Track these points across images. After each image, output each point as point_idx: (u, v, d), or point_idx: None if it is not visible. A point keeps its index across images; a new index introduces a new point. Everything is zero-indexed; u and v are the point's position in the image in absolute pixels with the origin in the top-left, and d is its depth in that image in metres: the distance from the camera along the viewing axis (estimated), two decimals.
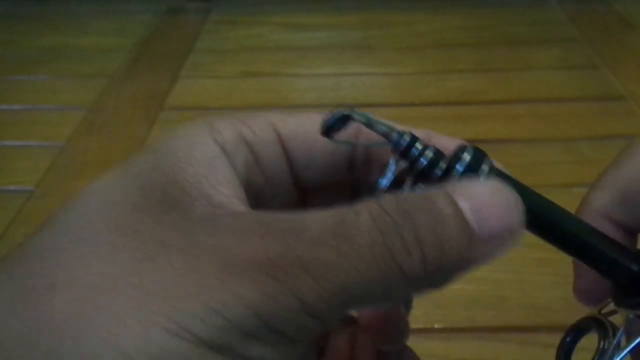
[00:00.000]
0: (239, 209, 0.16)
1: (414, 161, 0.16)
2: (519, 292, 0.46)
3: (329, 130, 0.16)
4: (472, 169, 0.16)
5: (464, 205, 0.15)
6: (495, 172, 0.17)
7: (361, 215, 0.14)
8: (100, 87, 0.78)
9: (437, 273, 0.15)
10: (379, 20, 0.95)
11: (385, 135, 0.17)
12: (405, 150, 0.16)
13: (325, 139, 0.17)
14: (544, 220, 0.18)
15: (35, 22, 0.99)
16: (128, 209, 0.15)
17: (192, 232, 0.14)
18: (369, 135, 0.17)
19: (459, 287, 0.47)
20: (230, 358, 0.13)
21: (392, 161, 0.16)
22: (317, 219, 0.15)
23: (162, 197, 0.15)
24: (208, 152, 0.16)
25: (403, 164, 0.17)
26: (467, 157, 0.16)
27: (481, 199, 0.15)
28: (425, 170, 0.16)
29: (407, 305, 0.21)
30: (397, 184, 0.17)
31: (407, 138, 0.16)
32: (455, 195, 0.15)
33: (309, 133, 0.18)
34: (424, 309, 0.46)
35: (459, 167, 0.16)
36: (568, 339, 0.20)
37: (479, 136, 0.66)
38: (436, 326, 0.45)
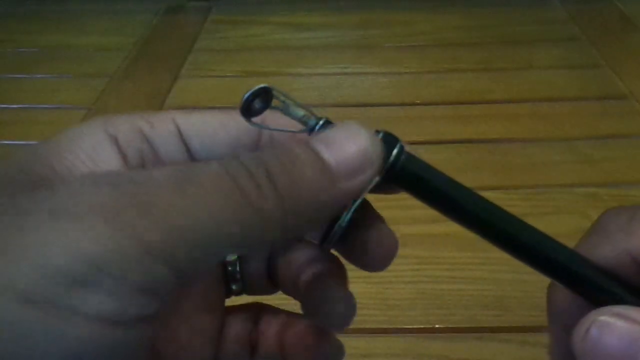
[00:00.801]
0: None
1: None
2: (520, 292, 0.46)
3: (247, 105, 0.17)
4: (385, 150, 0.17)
5: (320, 147, 0.15)
6: (406, 156, 0.18)
7: (211, 164, 0.14)
8: (100, 87, 0.78)
9: (299, 212, 0.15)
10: (379, 19, 0.95)
11: (301, 120, 0.17)
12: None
13: (243, 120, 0.17)
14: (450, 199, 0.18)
15: (35, 22, 0.99)
16: None
17: (31, 195, 0.14)
18: (279, 121, 0.18)
19: (459, 287, 0.47)
20: (58, 310, 0.12)
21: None
22: (165, 168, 0.14)
23: (29, 179, 0.15)
24: (92, 141, 0.17)
25: None
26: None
27: (337, 138, 0.16)
28: None
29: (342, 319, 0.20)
30: None
31: (322, 123, 0.17)
32: (312, 141, 0.16)
33: (210, 127, 0.18)
34: (424, 309, 0.46)
35: None
36: None
37: (479, 136, 0.66)
38: (436, 326, 0.45)
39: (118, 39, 0.91)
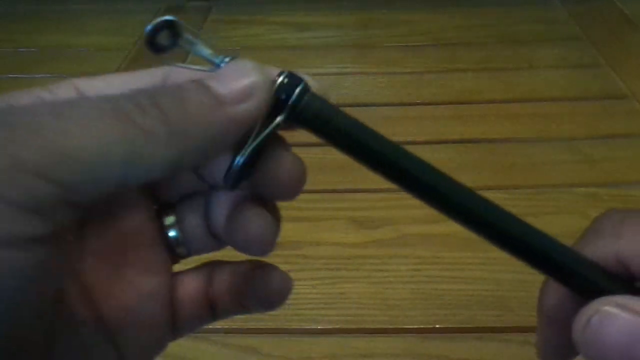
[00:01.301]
0: None
1: None
2: (520, 292, 0.46)
3: (151, 38, 0.17)
4: (286, 89, 0.17)
5: (209, 81, 0.16)
6: (310, 96, 0.18)
7: (97, 97, 0.15)
8: None
9: (186, 133, 0.15)
10: (379, 19, 0.95)
11: (209, 59, 0.18)
12: None
13: (146, 78, 0.18)
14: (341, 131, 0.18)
15: (35, 22, 0.99)
16: None
17: None
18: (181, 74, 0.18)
19: (459, 287, 0.47)
20: None
21: None
22: (44, 102, 0.15)
23: None
24: None
25: None
26: (280, 78, 0.17)
27: (226, 72, 0.17)
28: None
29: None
30: None
31: (227, 61, 0.18)
32: (203, 78, 0.16)
33: (112, 88, 0.18)
34: (424, 309, 0.46)
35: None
36: None
37: (479, 136, 0.66)
38: (437, 326, 0.44)
39: (118, 39, 0.91)
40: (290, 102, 0.17)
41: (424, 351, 0.43)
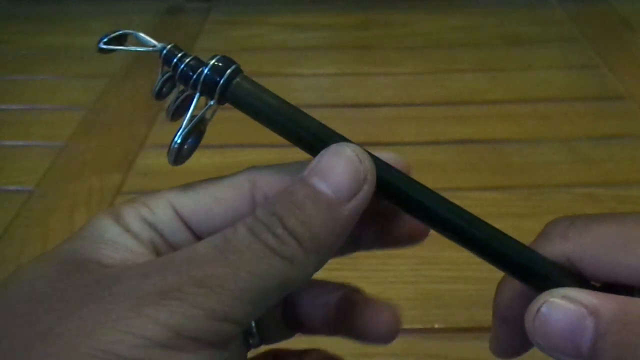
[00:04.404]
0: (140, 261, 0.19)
1: (174, 66, 0.19)
2: None
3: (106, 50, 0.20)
4: (218, 70, 0.19)
5: (316, 182, 0.18)
6: (242, 77, 0.19)
7: (239, 228, 0.17)
8: (100, 87, 0.78)
9: (323, 245, 0.18)
10: (379, 20, 0.95)
11: (152, 47, 0.20)
12: (167, 56, 0.20)
13: (233, 191, 0.20)
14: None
15: (35, 22, 0.99)
16: (54, 280, 0.18)
17: (102, 284, 0.17)
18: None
19: (459, 287, 0.48)
20: None
21: (159, 70, 0.20)
22: (204, 243, 0.18)
23: (79, 268, 0.18)
24: (113, 234, 0.19)
25: (174, 79, 0.20)
26: (212, 61, 0.19)
27: (327, 166, 0.18)
28: (184, 74, 0.19)
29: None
30: (164, 90, 0.20)
31: (168, 47, 0.20)
32: (308, 177, 0.18)
33: (204, 204, 0.20)
34: (424, 309, 0.46)
35: (204, 69, 0.19)
36: None
37: (479, 136, 0.66)
38: (436, 326, 0.45)
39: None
40: (221, 83, 0.19)
41: (424, 351, 0.43)
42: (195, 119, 0.20)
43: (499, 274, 0.22)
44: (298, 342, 0.25)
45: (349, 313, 0.22)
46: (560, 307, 0.17)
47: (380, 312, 0.22)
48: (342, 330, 0.23)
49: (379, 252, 0.57)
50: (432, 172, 0.59)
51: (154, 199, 0.21)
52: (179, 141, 0.20)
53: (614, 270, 0.18)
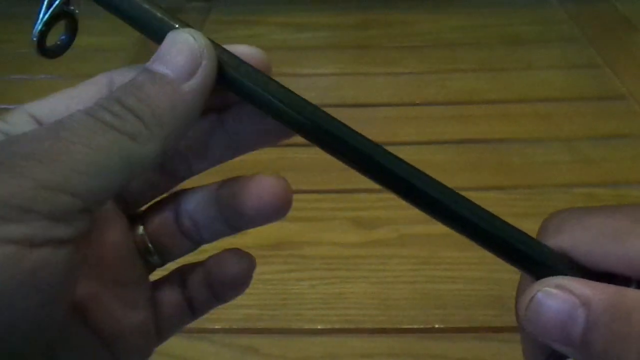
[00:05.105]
0: None
1: None
2: None
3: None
4: None
5: (156, 66, 0.18)
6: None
7: (75, 112, 0.17)
8: None
9: (166, 123, 0.17)
10: (379, 20, 0.95)
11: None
12: None
13: (92, 89, 0.20)
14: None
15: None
16: None
17: None
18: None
19: (458, 287, 0.48)
20: None
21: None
22: (38, 128, 0.18)
23: None
24: None
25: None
26: None
27: (167, 51, 0.18)
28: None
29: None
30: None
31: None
32: (150, 64, 0.18)
33: (61, 105, 0.20)
34: (423, 309, 0.46)
35: None
36: None
37: (479, 136, 0.66)
38: (436, 326, 0.45)
39: (118, 39, 0.91)
40: None
41: (423, 351, 0.43)
42: (52, 8, 0.20)
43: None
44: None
45: (232, 194, 0.21)
46: (554, 296, 0.17)
47: (263, 180, 0.21)
48: (235, 218, 0.22)
49: (378, 252, 0.57)
50: (432, 172, 0.59)
51: (10, 112, 0.21)
52: (37, 30, 0.20)
53: (606, 261, 0.18)
